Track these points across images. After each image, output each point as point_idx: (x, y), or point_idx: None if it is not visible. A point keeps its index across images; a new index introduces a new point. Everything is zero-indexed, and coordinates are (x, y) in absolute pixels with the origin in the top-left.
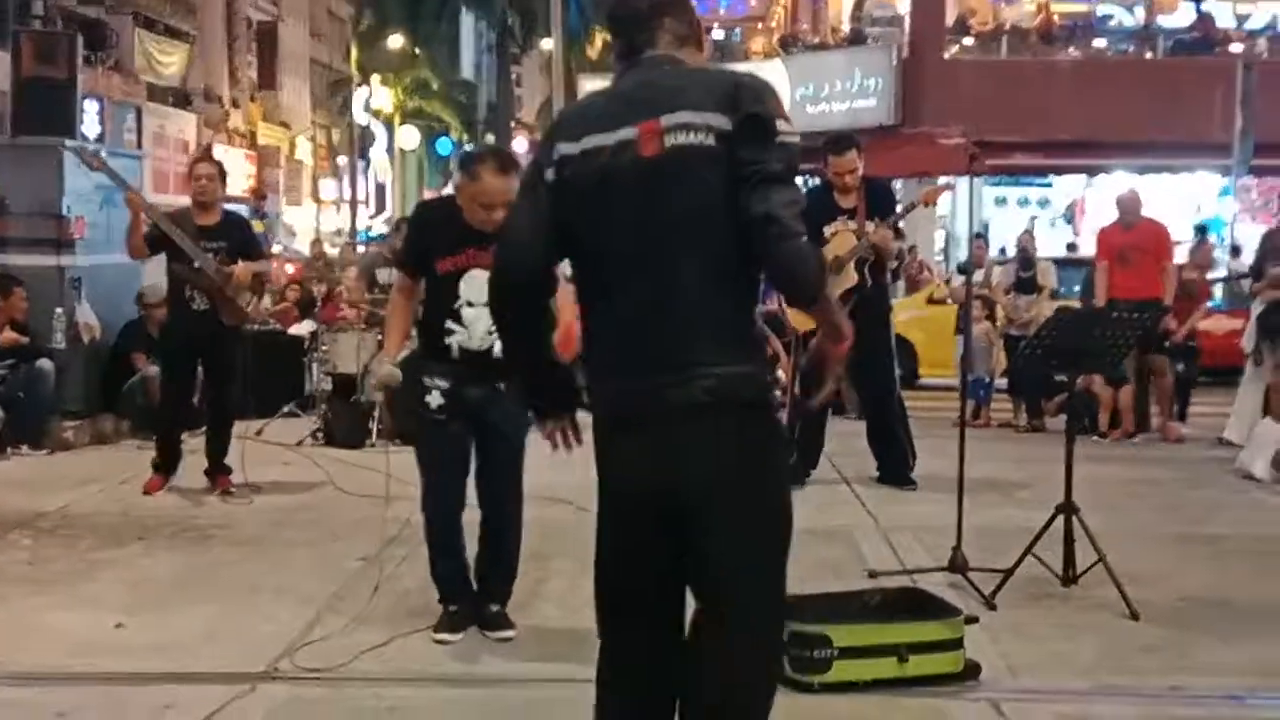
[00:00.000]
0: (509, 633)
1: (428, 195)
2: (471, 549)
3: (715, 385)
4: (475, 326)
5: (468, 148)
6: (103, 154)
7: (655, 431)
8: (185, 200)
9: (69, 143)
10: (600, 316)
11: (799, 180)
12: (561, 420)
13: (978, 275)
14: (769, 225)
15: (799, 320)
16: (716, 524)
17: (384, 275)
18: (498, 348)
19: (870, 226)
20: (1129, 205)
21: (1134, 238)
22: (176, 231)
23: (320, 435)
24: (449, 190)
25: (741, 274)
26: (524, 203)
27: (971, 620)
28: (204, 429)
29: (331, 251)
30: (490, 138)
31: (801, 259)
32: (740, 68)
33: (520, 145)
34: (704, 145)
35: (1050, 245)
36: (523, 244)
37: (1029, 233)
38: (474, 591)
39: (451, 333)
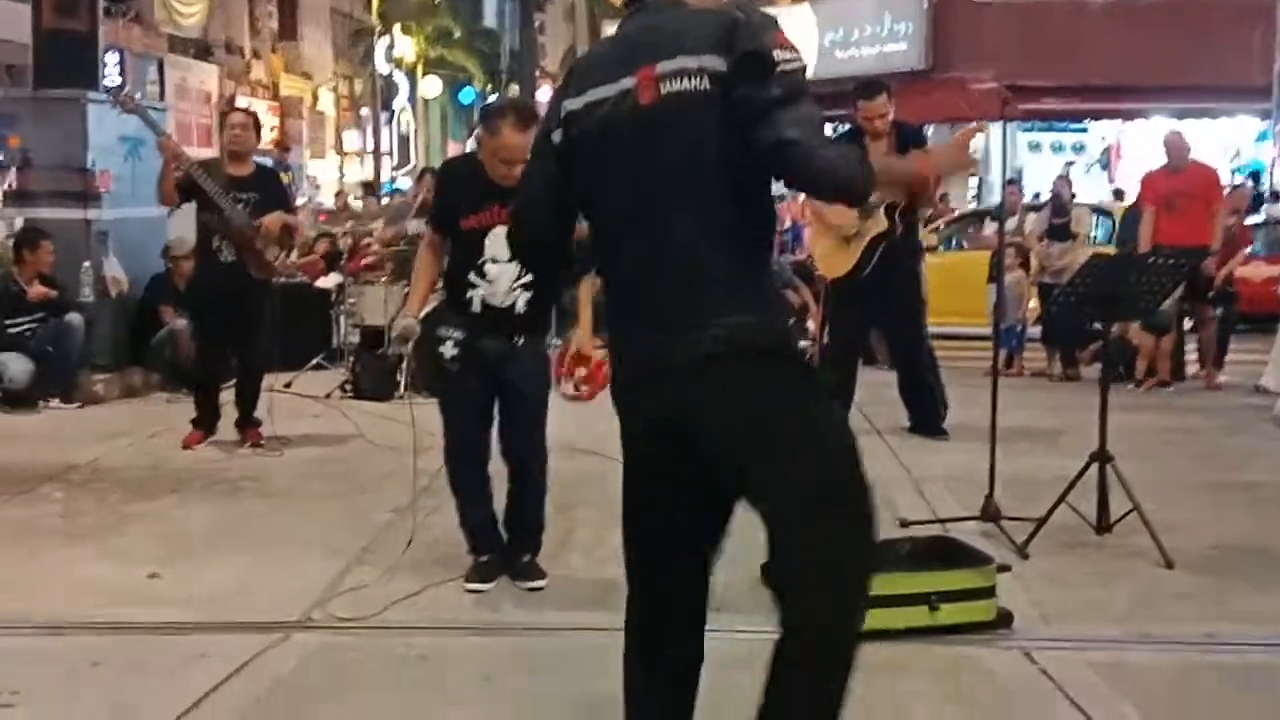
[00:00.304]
0: (540, 582)
1: (451, 147)
2: (500, 501)
3: (726, 335)
4: (499, 282)
5: (491, 98)
6: (137, 95)
7: (670, 388)
8: (207, 153)
9: (101, 88)
10: (611, 275)
11: (812, 105)
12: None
13: (1011, 222)
14: (785, 149)
15: (827, 268)
16: (754, 453)
17: (413, 226)
18: (520, 304)
19: None
20: (1176, 149)
21: (1181, 183)
22: (208, 180)
23: (348, 388)
24: (472, 142)
25: (745, 222)
26: (533, 165)
27: (1004, 569)
28: (233, 382)
29: (356, 204)
30: (514, 87)
31: (830, 172)
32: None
33: (544, 95)
34: (700, 90)
35: (1086, 191)
36: (532, 209)
37: (1064, 178)
38: (504, 542)
39: (474, 287)
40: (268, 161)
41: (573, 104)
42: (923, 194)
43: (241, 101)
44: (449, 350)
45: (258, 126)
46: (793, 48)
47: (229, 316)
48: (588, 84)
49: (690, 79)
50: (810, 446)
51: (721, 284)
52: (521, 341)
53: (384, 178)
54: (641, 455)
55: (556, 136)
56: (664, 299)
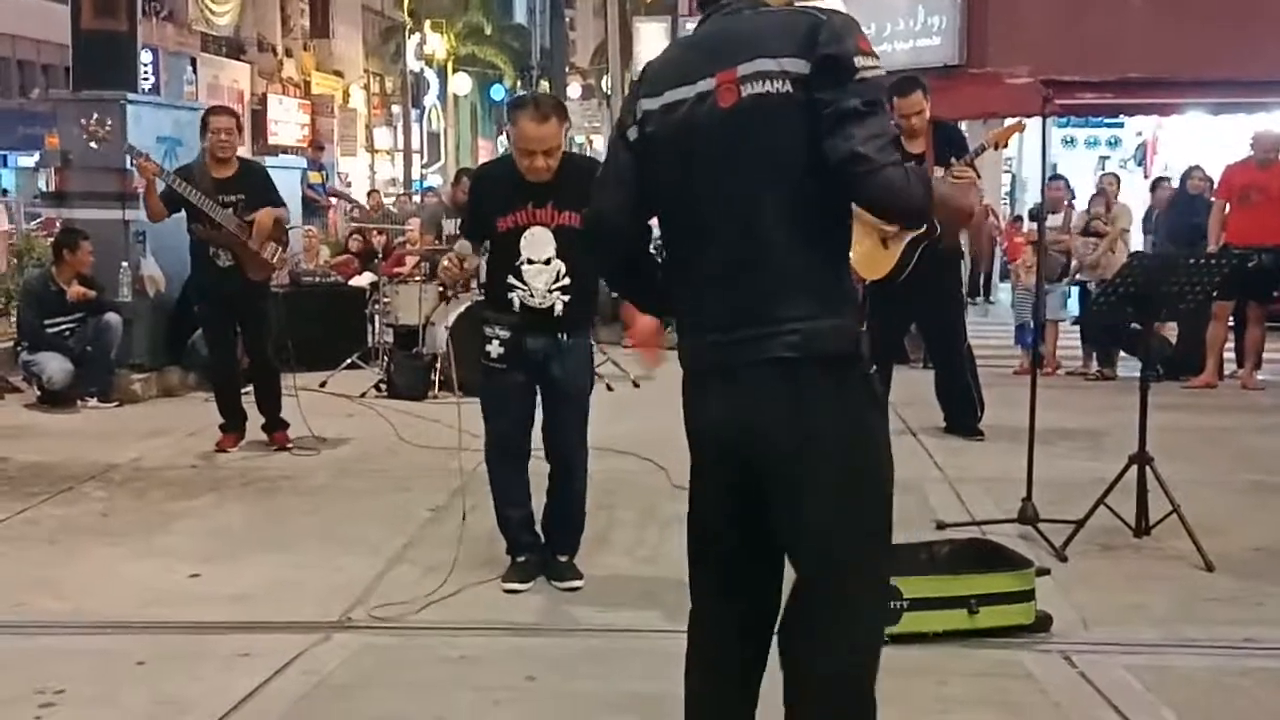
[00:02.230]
0: (577, 583)
1: (482, 144)
2: (539, 500)
3: (799, 340)
4: (536, 283)
5: (520, 94)
6: (108, 123)
7: (737, 387)
8: (242, 152)
9: (78, 123)
10: (685, 273)
11: (886, 118)
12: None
13: (1055, 220)
14: (854, 164)
15: (866, 270)
16: (801, 483)
17: (449, 226)
18: (559, 306)
19: (939, 172)
20: (1266, 142)
21: (1265, 178)
22: (193, 192)
23: (383, 387)
24: (503, 139)
25: (829, 224)
26: (608, 164)
27: (1043, 572)
28: (250, 387)
29: (387, 202)
30: (545, 84)
31: (893, 191)
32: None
33: (574, 91)
34: (781, 93)
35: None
36: (607, 205)
37: (1113, 176)
38: (542, 542)
39: (513, 288)
40: (300, 161)
41: (649, 104)
42: (965, 228)
43: (273, 100)
44: (495, 349)
45: (240, 126)
46: (873, 54)
47: (233, 321)
48: (665, 85)
49: (771, 82)
50: (854, 489)
51: (805, 281)
52: (567, 338)
53: (414, 175)
54: (703, 465)
55: (632, 134)
56: (751, 294)
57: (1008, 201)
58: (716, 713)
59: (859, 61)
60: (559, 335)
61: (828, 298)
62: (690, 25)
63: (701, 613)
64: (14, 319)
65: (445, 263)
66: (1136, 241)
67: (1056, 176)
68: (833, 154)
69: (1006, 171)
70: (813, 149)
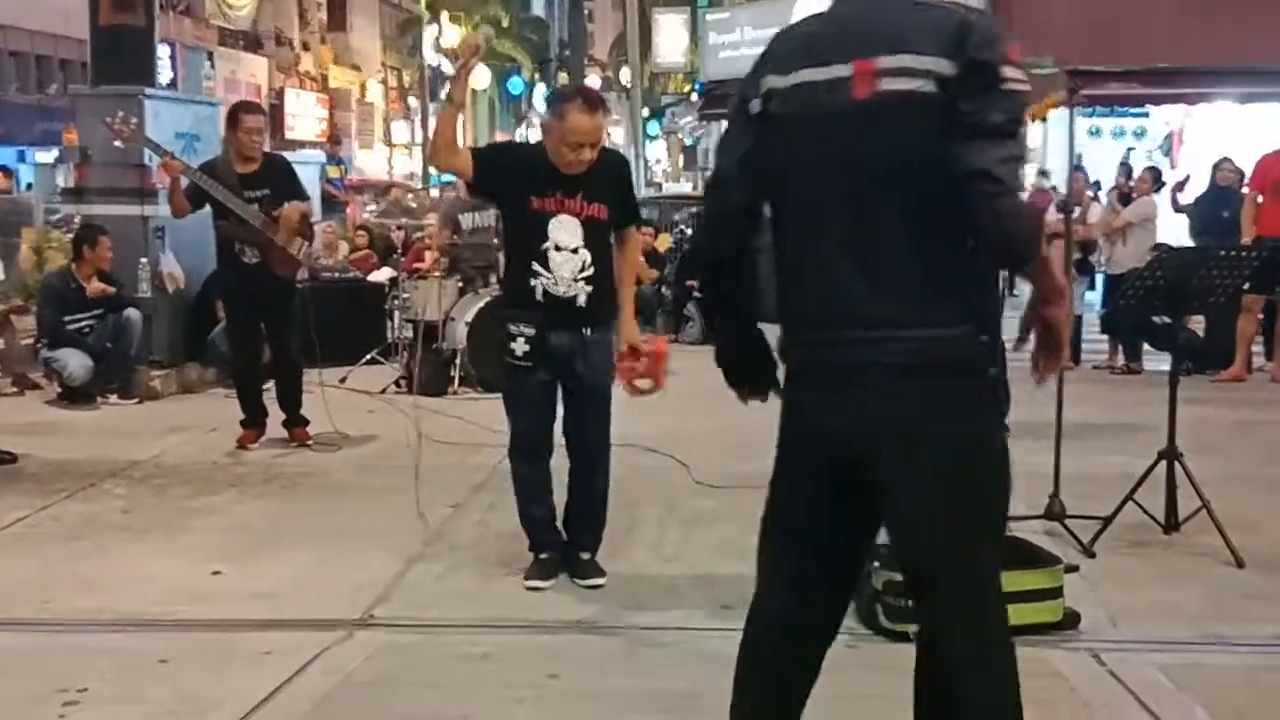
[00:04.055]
0: (599, 580)
1: (499, 137)
2: (561, 497)
3: (919, 348)
4: (561, 271)
5: (539, 87)
6: (133, 121)
7: (848, 388)
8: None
9: (102, 120)
10: (798, 264)
11: (1022, 131)
12: (755, 394)
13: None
14: (981, 181)
15: None
16: (914, 496)
17: (467, 221)
18: (582, 298)
19: None
20: None
21: None
22: (219, 189)
23: (403, 383)
24: (521, 130)
25: (954, 228)
26: (729, 137)
27: (1071, 569)
28: (271, 383)
29: (410, 202)
30: (563, 77)
31: (1016, 217)
32: None
33: (593, 83)
34: (923, 92)
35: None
36: (728, 177)
37: (1155, 169)
38: (564, 539)
39: (537, 275)
40: (319, 155)
41: (777, 81)
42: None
43: (290, 94)
44: (520, 347)
45: (267, 123)
46: (1020, 65)
47: (259, 317)
48: (796, 63)
49: (913, 79)
50: (964, 502)
51: (929, 285)
52: (590, 333)
53: (432, 169)
54: (800, 464)
55: (755, 107)
56: (871, 294)
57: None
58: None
59: (1006, 72)
60: (582, 330)
61: (952, 303)
62: (710, 17)
63: (772, 605)
64: (35, 315)
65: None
66: (1161, 235)
67: (1076, 167)
68: (961, 166)
69: (1031, 163)
70: (946, 150)
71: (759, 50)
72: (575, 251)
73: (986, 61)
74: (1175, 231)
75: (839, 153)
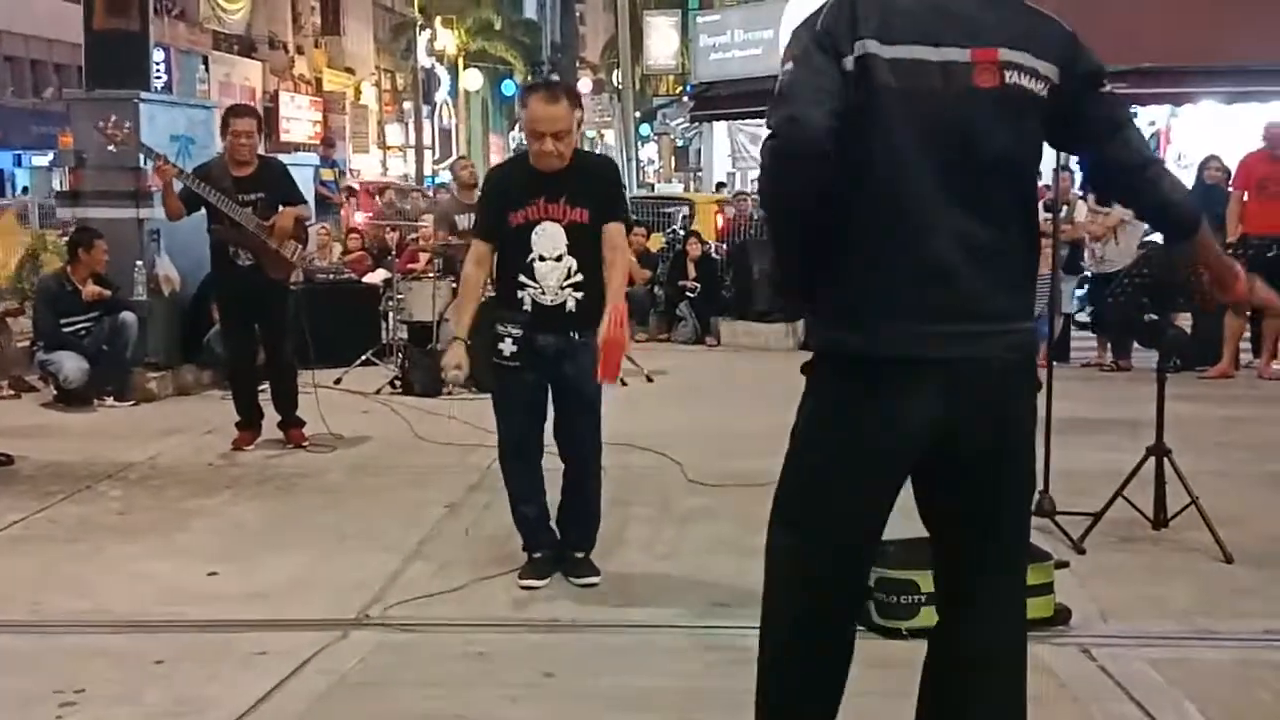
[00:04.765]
0: (594, 579)
1: (493, 140)
2: (553, 498)
3: (1022, 341)
4: (547, 281)
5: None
6: (126, 125)
7: (957, 381)
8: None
9: (95, 124)
10: (891, 250)
11: None
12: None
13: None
14: (1149, 167)
15: None
16: (996, 481)
17: (463, 221)
18: (571, 303)
19: None
20: (1277, 138)
21: None
22: (211, 191)
23: (397, 384)
24: (514, 133)
25: (1035, 223)
26: (802, 72)
27: (1061, 565)
28: (266, 385)
29: (404, 205)
30: (555, 79)
31: (1184, 189)
32: None
33: (585, 85)
34: (1038, 93)
35: None
36: (811, 113)
37: None
38: (557, 538)
39: (524, 287)
40: (312, 158)
41: (879, 49)
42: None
43: (284, 98)
44: (508, 348)
45: (261, 126)
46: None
47: (253, 319)
48: (901, 36)
49: (1032, 79)
50: (1027, 484)
51: (1025, 280)
52: (578, 337)
53: (426, 171)
54: (869, 457)
55: (849, 64)
56: (987, 287)
57: None
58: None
59: (1107, 81)
60: (570, 333)
61: (1032, 299)
62: (701, 19)
63: (811, 598)
64: (30, 318)
65: (451, 369)
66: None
67: (1064, 167)
68: (1128, 163)
69: None
70: (1038, 151)
71: (750, 52)
72: (559, 259)
73: (1099, 71)
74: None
75: (959, 139)
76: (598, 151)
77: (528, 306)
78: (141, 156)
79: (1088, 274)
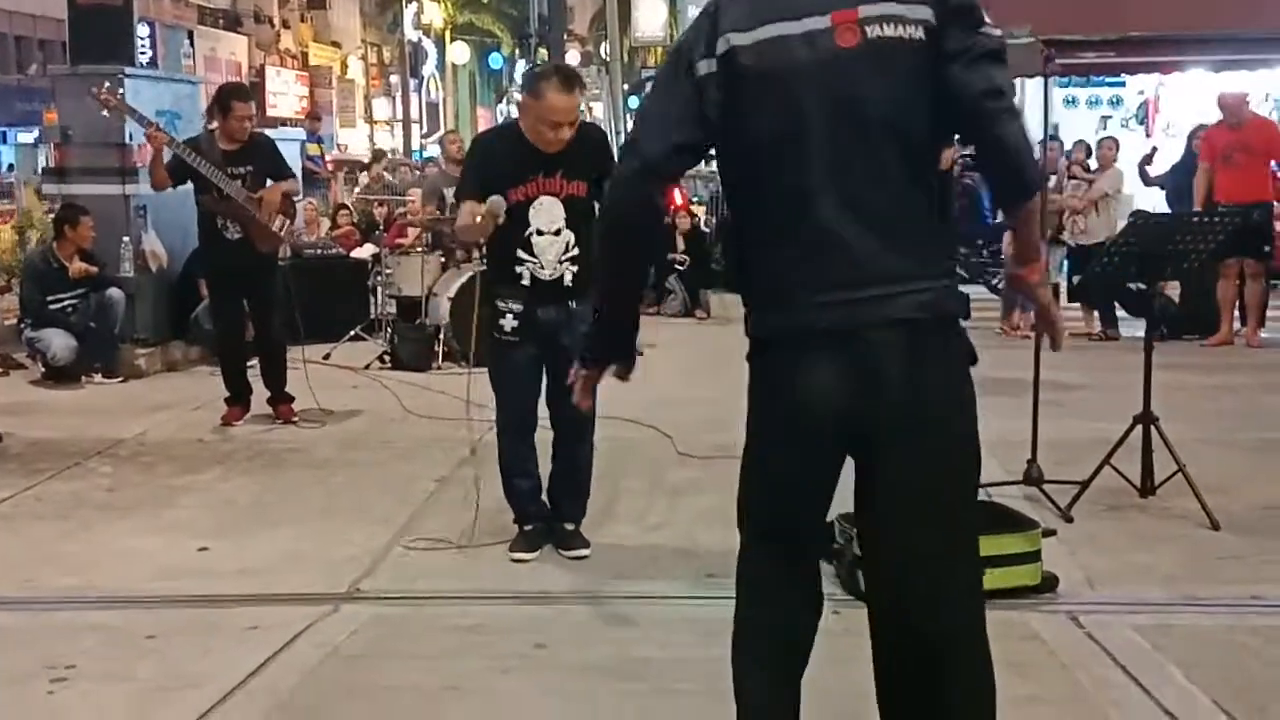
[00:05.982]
0: (584, 551)
1: (481, 113)
2: (545, 470)
3: (930, 300)
4: (546, 255)
5: (519, 63)
6: (119, 92)
7: (857, 348)
8: None
9: (89, 91)
10: (781, 227)
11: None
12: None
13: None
14: (996, 98)
15: None
16: (917, 443)
17: (450, 195)
18: (569, 276)
19: None
20: (1232, 106)
21: (1241, 137)
22: (201, 162)
23: (386, 359)
24: (503, 108)
25: (938, 181)
26: (661, 99)
27: (1049, 533)
28: (255, 361)
29: (390, 178)
30: (543, 52)
31: (1027, 141)
32: None
33: (573, 58)
34: (910, 38)
35: (1122, 148)
36: (654, 142)
37: (1114, 140)
38: (549, 511)
39: (522, 262)
40: (299, 133)
41: (739, 39)
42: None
43: (270, 72)
44: (509, 323)
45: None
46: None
47: (241, 293)
48: (759, 18)
49: (899, 26)
50: (955, 455)
51: (927, 236)
52: (576, 305)
53: (413, 145)
54: (794, 432)
55: (704, 68)
56: (877, 249)
57: None
58: (783, 682)
59: (986, 16)
60: (569, 303)
61: (945, 255)
62: None
63: (766, 584)
64: (17, 295)
65: (475, 219)
66: (1137, 203)
67: (1051, 137)
68: (970, 87)
69: None
70: (930, 99)
71: None
72: (558, 234)
73: (971, 6)
74: (1151, 201)
75: (826, 104)
76: (596, 124)
77: (526, 281)
78: (128, 131)
79: (1068, 245)
